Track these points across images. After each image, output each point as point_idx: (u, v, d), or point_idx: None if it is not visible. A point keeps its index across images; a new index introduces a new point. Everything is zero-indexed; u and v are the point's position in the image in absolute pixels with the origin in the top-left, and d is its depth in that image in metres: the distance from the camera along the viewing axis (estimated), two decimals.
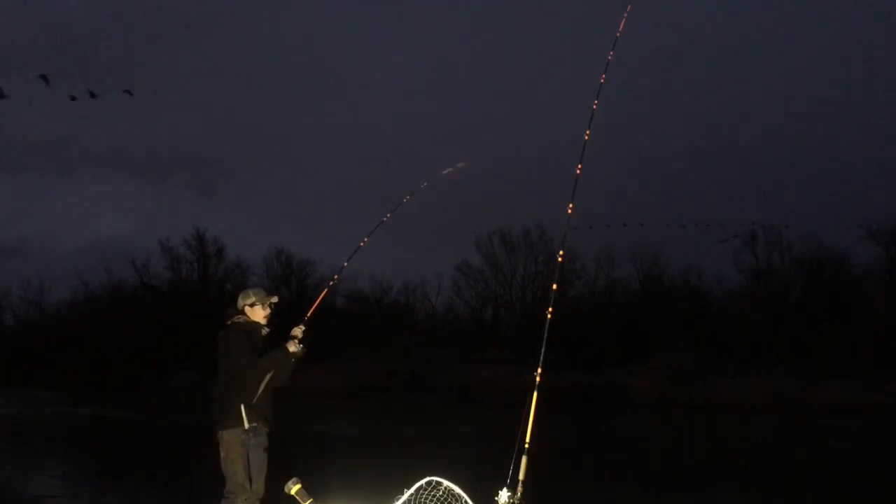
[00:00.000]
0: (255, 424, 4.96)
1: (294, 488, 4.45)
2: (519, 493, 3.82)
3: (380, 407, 33.97)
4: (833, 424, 28.03)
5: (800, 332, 41.36)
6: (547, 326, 4.37)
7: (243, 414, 4.90)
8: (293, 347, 5.10)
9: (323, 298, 5.74)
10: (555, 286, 4.98)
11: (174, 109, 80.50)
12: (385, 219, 5.86)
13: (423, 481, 3.89)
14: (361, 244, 5.88)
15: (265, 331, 5.28)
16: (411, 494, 3.89)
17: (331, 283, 6.33)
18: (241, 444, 4.90)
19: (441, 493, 3.84)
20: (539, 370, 4.11)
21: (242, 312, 5.29)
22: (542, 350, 4.23)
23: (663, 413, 33.14)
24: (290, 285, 53.90)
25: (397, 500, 3.92)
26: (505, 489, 3.80)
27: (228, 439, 4.93)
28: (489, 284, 52.77)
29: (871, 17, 70.53)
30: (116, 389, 40.63)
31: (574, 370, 36.50)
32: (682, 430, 27.37)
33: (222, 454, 4.98)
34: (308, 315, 5.46)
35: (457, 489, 3.84)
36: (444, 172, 5.96)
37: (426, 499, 3.85)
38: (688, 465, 16.54)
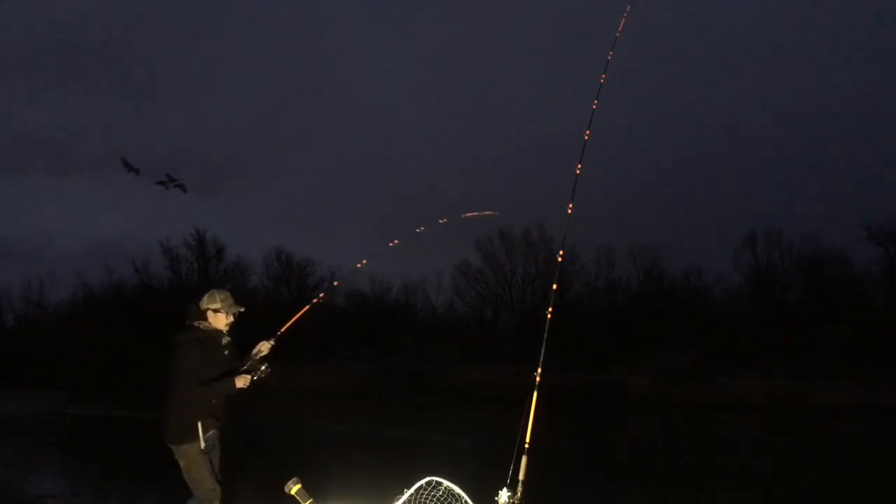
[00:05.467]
0: (211, 433, 4.91)
1: (294, 488, 4.45)
2: (519, 493, 3.82)
3: (380, 407, 33.98)
4: (832, 425, 28.02)
5: (800, 332, 41.32)
6: (547, 326, 4.37)
7: (199, 431, 4.82)
8: (241, 383, 4.89)
9: (302, 315, 5.43)
10: (555, 286, 4.98)
11: (176, 111, 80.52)
12: (391, 244, 5.72)
13: (423, 481, 3.89)
14: (359, 265, 5.82)
15: (226, 339, 5.08)
16: (411, 494, 3.88)
17: (314, 300, 5.94)
18: (201, 454, 4.85)
19: (441, 493, 3.84)
20: (539, 370, 4.12)
21: (204, 314, 5.07)
22: (543, 350, 4.23)
23: (663, 413, 33.16)
24: (290, 285, 53.94)
25: (397, 500, 3.92)
26: (505, 489, 3.80)
27: (188, 451, 4.85)
28: (489, 284, 52.82)
29: (871, 16, 70.52)
30: (116, 389, 40.59)
31: (574, 370, 36.49)
32: (681, 430, 27.37)
33: (183, 464, 4.90)
34: (281, 331, 5.26)
35: (457, 489, 3.84)
36: (468, 215, 5.72)
37: (426, 499, 3.84)
38: (687, 464, 16.54)
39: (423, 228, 5.71)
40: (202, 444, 4.82)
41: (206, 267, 54.52)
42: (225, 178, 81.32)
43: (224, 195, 76.19)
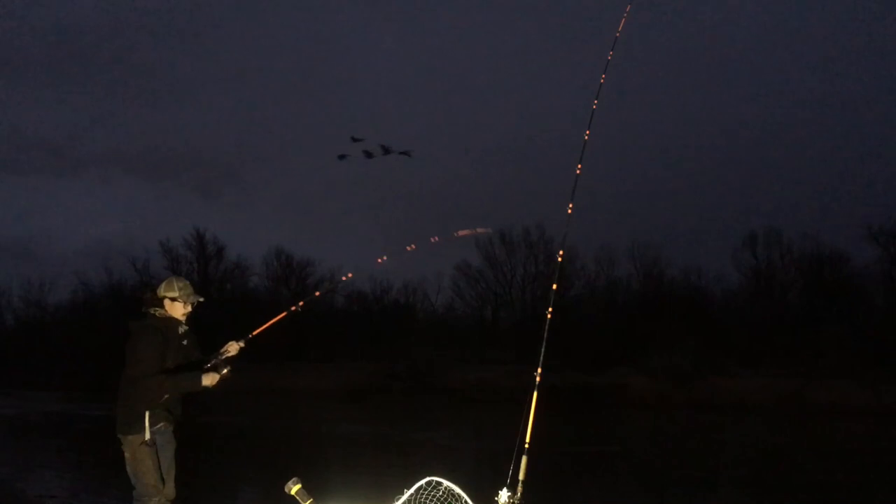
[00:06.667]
0: (160, 425, 4.74)
1: (294, 488, 4.44)
2: (519, 493, 3.81)
3: (379, 407, 33.98)
4: (832, 425, 28.03)
5: (800, 332, 41.34)
6: (547, 326, 4.36)
7: (146, 421, 4.66)
8: (207, 381, 4.69)
9: (276, 322, 5.22)
10: (555, 286, 4.97)
11: (177, 111, 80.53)
12: (380, 260, 5.60)
13: (423, 481, 3.88)
14: (344, 278, 5.82)
15: (183, 328, 4.89)
16: (411, 494, 3.88)
17: (293, 308, 5.70)
18: (148, 446, 4.68)
19: (441, 493, 3.83)
20: (539, 370, 4.11)
21: (161, 302, 4.87)
22: (543, 350, 4.22)
23: (663, 413, 33.14)
24: (290, 285, 53.93)
25: (397, 500, 3.91)
26: (505, 489, 3.80)
27: (133, 442, 4.70)
28: (489, 284, 52.80)
29: (871, 16, 70.52)
30: (116, 389, 40.53)
31: (574, 370, 36.47)
32: (681, 430, 27.37)
33: (127, 456, 4.74)
34: (253, 334, 5.06)
35: (457, 489, 3.83)
36: (460, 233, 5.49)
37: (426, 499, 3.84)
38: (688, 464, 16.54)
39: (413, 247, 5.53)
40: (147, 436, 4.65)
41: (206, 267, 54.55)
42: (225, 178, 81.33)
43: (224, 195, 76.37)
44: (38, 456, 16.09)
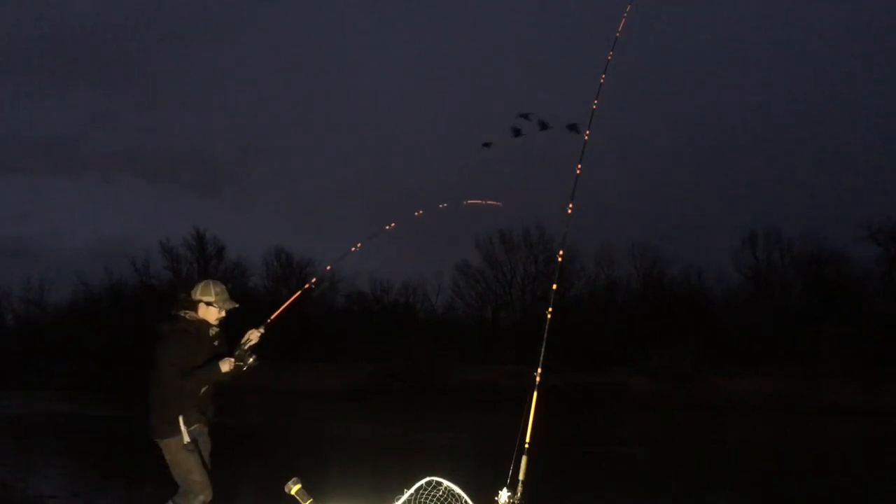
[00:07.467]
0: (195, 427, 4.70)
1: (294, 488, 4.44)
2: (519, 493, 3.81)
3: (379, 407, 33.98)
4: (833, 424, 28.03)
5: (800, 332, 41.34)
6: (547, 326, 4.36)
7: (182, 425, 4.61)
8: (226, 367, 4.62)
9: (292, 302, 5.17)
10: (555, 286, 4.96)
11: (176, 111, 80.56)
12: (388, 227, 5.47)
13: (423, 481, 3.88)
14: (353, 249, 5.51)
15: (214, 331, 4.83)
16: (411, 494, 3.88)
17: (306, 285, 5.68)
18: (189, 450, 4.65)
19: (441, 493, 3.83)
20: (539, 370, 4.10)
21: (194, 305, 4.81)
22: (543, 350, 4.22)
23: (663, 413, 33.15)
24: (290, 285, 53.92)
25: (397, 500, 3.91)
26: (505, 489, 3.79)
27: (171, 445, 4.65)
28: (489, 284, 52.82)
29: (871, 17, 70.55)
30: (116, 389, 40.59)
31: (574, 370, 36.47)
32: (681, 431, 27.36)
33: (168, 459, 4.70)
34: (272, 318, 4.95)
35: (457, 489, 3.83)
36: (470, 202, 5.44)
37: (426, 499, 3.84)
38: (688, 465, 16.54)
39: (421, 212, 5.53)
40: (186, 439, 4.62)
41: (206, 267, 54.56)
42: (225, 178, 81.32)
43: (225, 195, 76.35)
44: (37, 456, 16.08)
